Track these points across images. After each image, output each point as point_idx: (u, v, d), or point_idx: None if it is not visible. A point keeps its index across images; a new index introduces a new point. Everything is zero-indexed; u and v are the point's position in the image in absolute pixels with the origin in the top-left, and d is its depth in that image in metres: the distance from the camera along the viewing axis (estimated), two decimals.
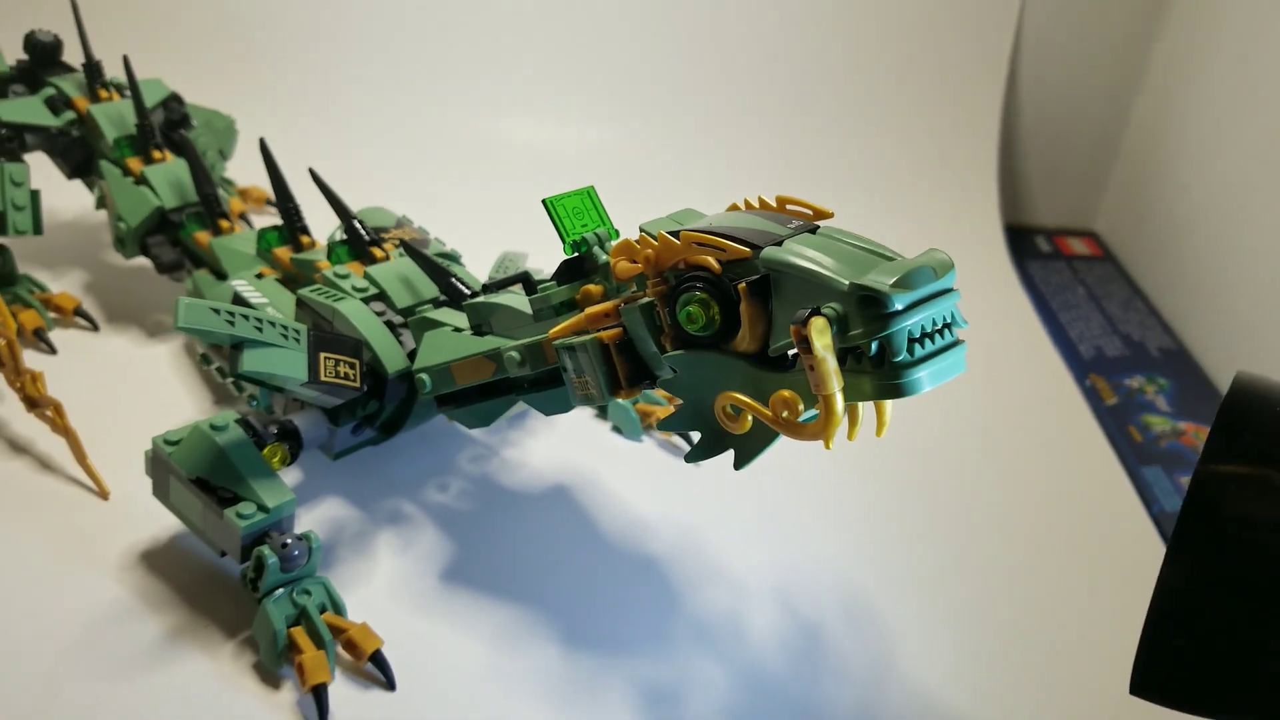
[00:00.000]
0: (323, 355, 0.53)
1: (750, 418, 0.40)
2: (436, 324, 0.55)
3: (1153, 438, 0.75)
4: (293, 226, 0.65)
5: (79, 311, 0.74)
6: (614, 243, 0.48)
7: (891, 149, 1.04)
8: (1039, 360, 0.85)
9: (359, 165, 0.98)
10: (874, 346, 0.36)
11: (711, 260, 0.40)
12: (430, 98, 1.09)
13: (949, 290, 0.38)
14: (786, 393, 0.38)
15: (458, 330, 0.54)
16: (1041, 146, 1.05)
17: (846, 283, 0.36)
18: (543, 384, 0.52)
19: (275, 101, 1.05)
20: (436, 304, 0.58)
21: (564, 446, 0.68)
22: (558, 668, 0.52)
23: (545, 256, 0.69)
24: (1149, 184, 0.99)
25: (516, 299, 0.52)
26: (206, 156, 0.80)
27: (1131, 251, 1.01)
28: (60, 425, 0.60)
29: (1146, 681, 0.35)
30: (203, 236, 0.69)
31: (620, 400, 0.68)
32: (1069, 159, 1.05)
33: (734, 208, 0.45)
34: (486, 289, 0.55)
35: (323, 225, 0.69)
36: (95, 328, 0.75)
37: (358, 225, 0.62)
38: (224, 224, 0.69)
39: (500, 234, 0.81)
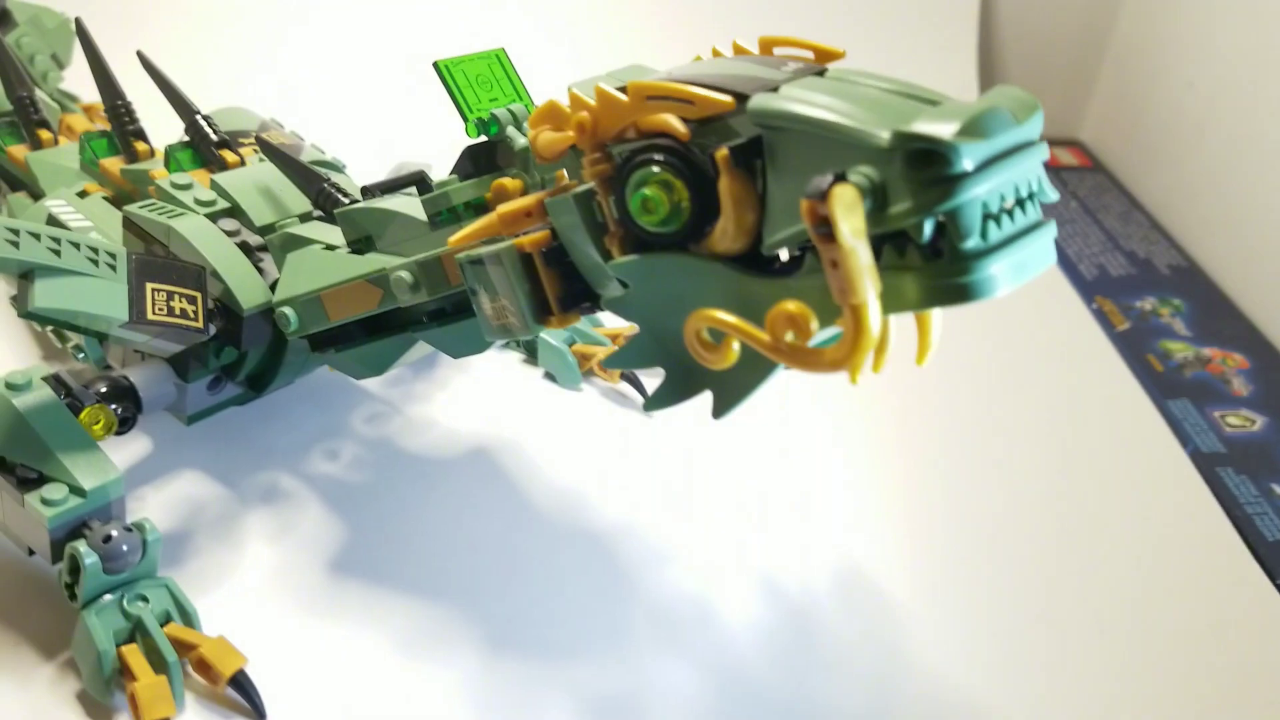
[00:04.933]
0: (150, 286, 0.41)
1: (737, 345, 0.28)
2: (304, 241, 0.43)
3: (1174, 366, 0.65)
4: (123, 131, 0.52)
5: None
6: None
7: (865, 58, 0.92)
8: (1042, 283, 0.73)
9: (225, 65, 0.83)
10: (927, 228, 0.24)
11: (674, 122, 0.28)
12: None
13: (1033, 144, 0.26)
14: (792, 305, 0.26)
15: (330, 248, 0.42)
16: (1022, 50, 0.96)
17: (886, 133, 0.25)
18: (447, 316, 0.41)
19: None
20: (306, 219, 0.45)
21: (484, 400, 0.57)
22: (481, 679, 0.42)
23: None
24: (1142, 86, 0.90)
25: (407, 202, 0.40)
26: (36, 63, 0.66)
27: (1125, 161, 0.92)
28: None
29: None
30: (18, 151, 0.56)
31: (551, 334, 0.56)
32: (1052, 63, 0.97)
33: (698, 59, 0.33)
34: (367, 192, 0.42)
35: (169, 133, 0.55)
36: None
37: (202, 121, 0.48)
38: (44, 135, 0.56)
39: (402, 148, 0.67)
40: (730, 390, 0.32)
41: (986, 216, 0.25)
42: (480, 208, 0.38)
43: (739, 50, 0.33)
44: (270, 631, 0.43)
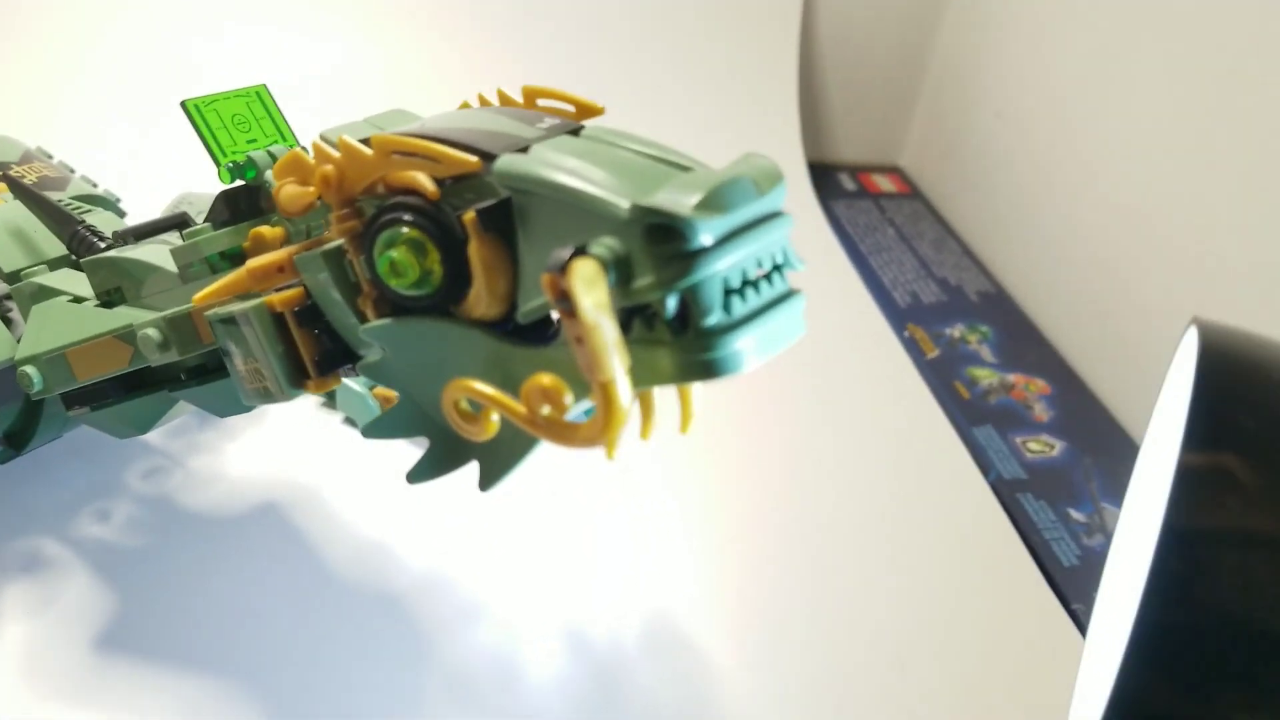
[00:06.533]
0: None
1: (496, 416, 0.26)
2: (52, 293, 0.39)
3: (980, 392, 0.67)
4: None
5: None
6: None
7: (681, 80, 0.92)
8: (855, 310, 0.75)
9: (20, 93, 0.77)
10: (672, 303, 0.23)
11: (423, 180, 0.26)
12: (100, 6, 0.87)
13: (777, 214, 0.25)
14: (546, 378, 0.25)
15: (78, 300, 0.38)
16: (842, 75, 0.97)
17: (627, 204, 0.24)
18: (209, 373, 0.37)
19: None
20: (59, 265, 0.41)
21: (276, 449, 0.54)
22: None
23: None
24: (956, 113, 0.92)
25: (156, 251, 0.37)
26: None
27: (940, 187, 0.94)
28: None
29: None
30: None
31: (347, 386, 0.53)
32: (871, 88, 0.97)
33: (465, 106, 0.31)
34: (119, 238, 0.39)
35: None
36: None
37: None
38: None
39: (192, 177, 0.63)
40: (496, 461, 0.30)
41: (729, 291, 0.24)
42: (238, 258, 0.35)
43: (504, 99, 0.31)
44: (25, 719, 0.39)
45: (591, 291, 0.23)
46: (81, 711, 0.40)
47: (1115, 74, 0.70)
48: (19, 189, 0.41)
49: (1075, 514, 0.57)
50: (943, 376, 0.68)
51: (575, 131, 0.28)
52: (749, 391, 0.57)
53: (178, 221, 0.40)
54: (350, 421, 0.56)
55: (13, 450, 0.45)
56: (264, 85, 0.36)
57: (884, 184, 0.95)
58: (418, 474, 0.31)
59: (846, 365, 0.68)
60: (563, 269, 0.23)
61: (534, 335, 0.27)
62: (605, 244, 0.24)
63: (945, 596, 0.51)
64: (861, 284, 0.78)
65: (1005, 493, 0.58)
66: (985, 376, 0.69)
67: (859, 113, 0.98)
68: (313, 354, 0.31)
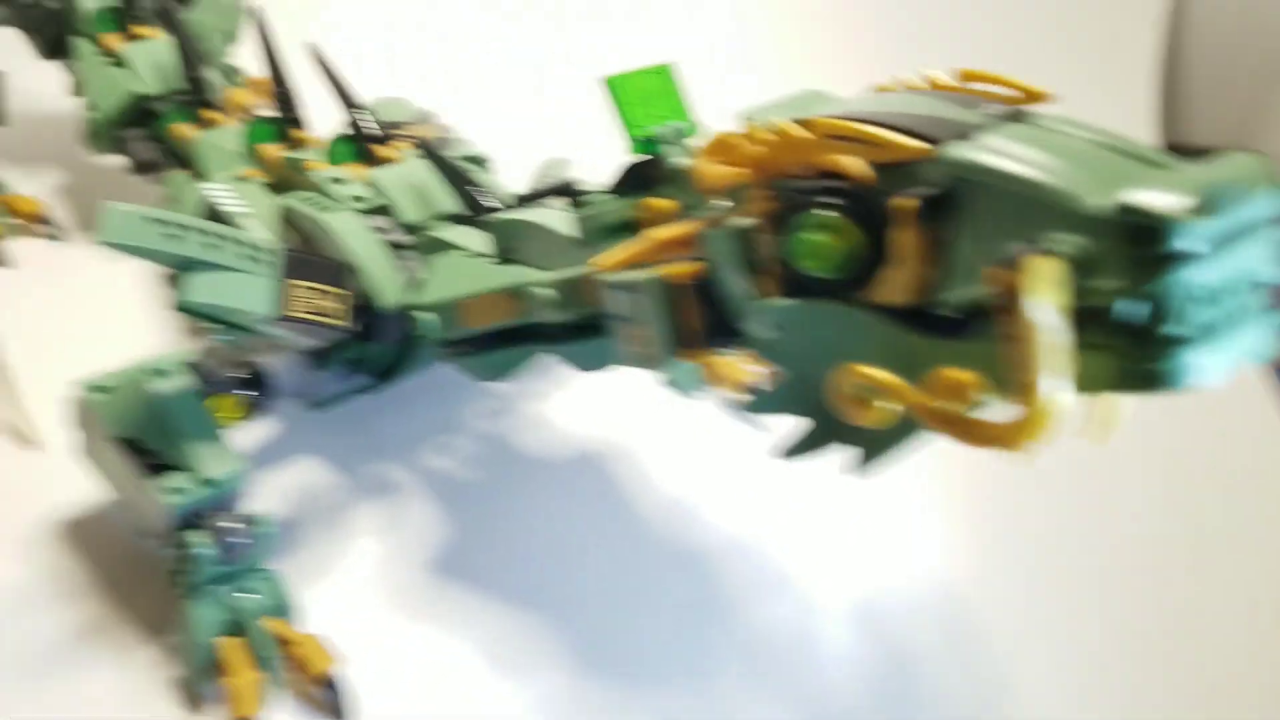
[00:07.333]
0: (298, 284, 0.41)
1: (889, 404, 0.26)
2: (449, 246, 0.42)
3: None
4: (287, 117, 0.52)
5: (41, 217, 0.63)
6: (696, 140, 0.34)
7: (1036, 51, 0.87)
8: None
9: (385, 55, 0.84)
10: (1140, 310, 0.22)
11: (857, 163, 0.26)
12: None
13: (1264, 222, 0.23)
14: (959, 372, 0.24)
15: (476, 256, 0.41)
16: (1206, 48, 0.87)
17: (1101, 200, 0.22)
18: (581, 332, 0.39)
19: None
20: (454, 220, 0.45)
21: (601, 400, 0.55)
22: (567, 698, 0.42)
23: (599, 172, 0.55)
24: None
25: (555, 216, 0.39)
26: (209, 39, 0.68)
27: None
28: None
29: None
30: (185, 130, 0.56)
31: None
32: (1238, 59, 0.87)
33: (883, 88, 0.30)
34: (518, 202, 0.41)
35: (334, 121, 0.55)
36: (60, 237, 0.63)
37: (362, 116, 0.48)
38: (211, 115, 0.56)
39: (555, 141, 0.67)
40: (877, 447, 0.29)
41: (1201, 301, 0.22)
42: (630, 226, 0.36)
43: (932, 82, 0.30)
44: (367, 630, 0.43)
45: (1049, 290, 0.22)
46: (413, 621, 0.44)
47: None
48: (428, 150, 0.44)
49: None
50: None
51: (1019, 118, 0.27)
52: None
53: (562, 187, 0.42)
54: (674, 384, 0.57)
55: (379, 382, 0.49)
56: (671, 63, 0.37)
57: None
58: (795, 450, 0.31)
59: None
60: (1015, 264, 0.22)
61: (944, 326, 0.26)
62: (1070, 241, 0.22)
63: None
64: None
65: None
66: None
67: (1222, 88, 0.89)
68: (699, 326, 0.32)
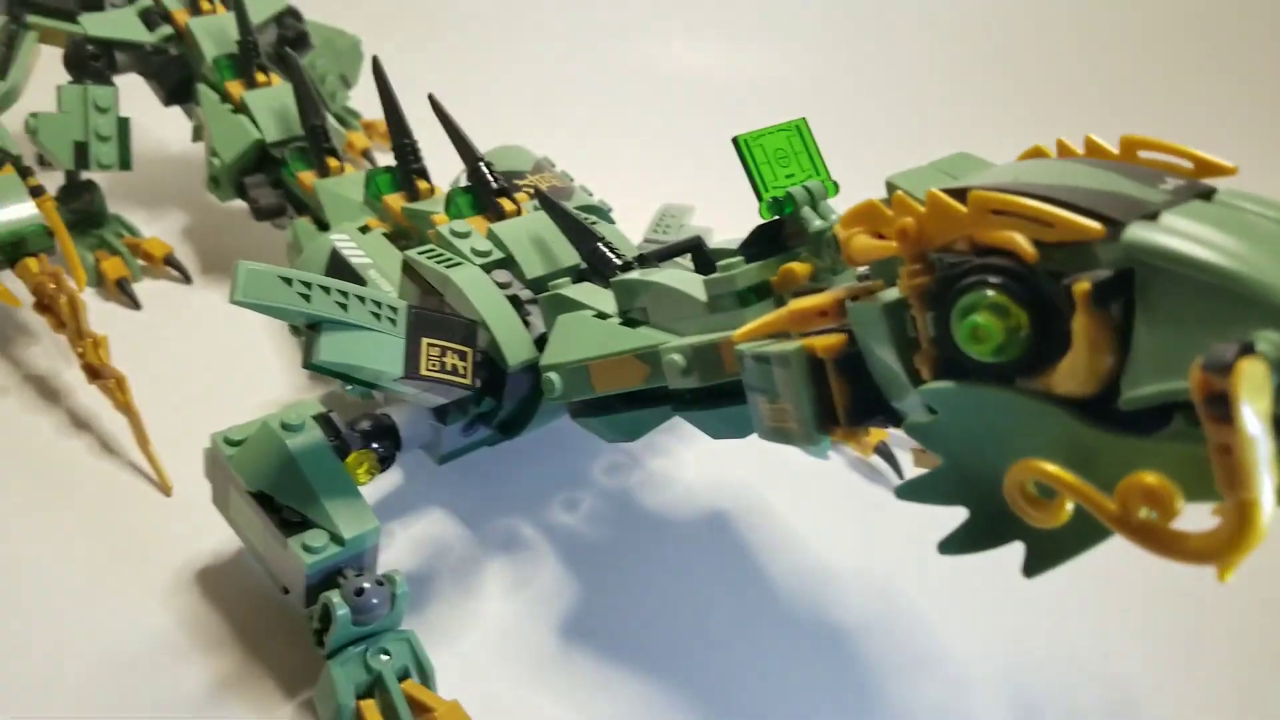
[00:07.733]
0: (425, 342, 0.40)
1: (1071, 505, 0.25)
2: (574, 305, 0.42)
3: None
4: (406, 168, 0.52)
5: (170, 260, 0.65)
6: (833, 202, 0.33)
7: (1200, 114, 0.82)
8: None
9: (495, 96, 0.85)
10: None
11: (1022, 243, 0.25)
12: (583, 19, 0.94)
13: None
14: (1151, 478, 0.22)
15: (601, 316, 0.40)
16: None
17: None
18: (713, 398, 0.38)
19: (404, 20, 0.93)
20: (576, 275, 0.44)
21: (725, 458, 0.54)
22: None
23: (716, 214, 0.53)
24: None
25: (684, 278, 0.38)
26: (326, 83, 0.69)
27: None
28: (121, 402, 0.51)
29: None
30: (306, 177, 0.57)
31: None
32: None
33: (1037, 151, 0.29)
34: (643, 261, 0.41)
35: (449, 169, 0.56)
36: (188, 280, 0.65)
37: (483, 168, 0.48)
38: (332, 163, 0.57)
39: (662, 185, 0.66)
40: (1050, 549, 0.27)
41: None
42: (763, 290, 0.36)
43: (1093, 148, 0.29)
44: (496, 697, 0.42)
45: (1257, 399, 0.20)
46: (541, 691, 0.43)
47: None
48: (547, 203, 0.44)
49: None
50: None
51: (1206, 195, 0.25)
52: None
53: (692, 244, 0.41)
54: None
55: (502, 435, 0.49)
56: (804, 119, 0.36)
57: None
58: (952, 545, 0.30)
59: None
60: (1227, 369, 0.20)
61: (1130, 421, 0.25)
62: (1272, 340, 0.21)
63: None
64: None
65: None
66: None
67: None
68: (846, 403, 0.31)
